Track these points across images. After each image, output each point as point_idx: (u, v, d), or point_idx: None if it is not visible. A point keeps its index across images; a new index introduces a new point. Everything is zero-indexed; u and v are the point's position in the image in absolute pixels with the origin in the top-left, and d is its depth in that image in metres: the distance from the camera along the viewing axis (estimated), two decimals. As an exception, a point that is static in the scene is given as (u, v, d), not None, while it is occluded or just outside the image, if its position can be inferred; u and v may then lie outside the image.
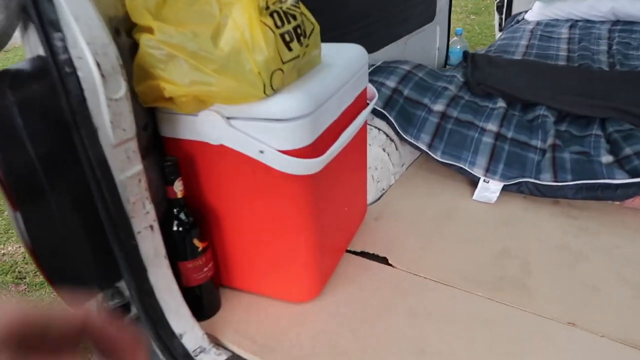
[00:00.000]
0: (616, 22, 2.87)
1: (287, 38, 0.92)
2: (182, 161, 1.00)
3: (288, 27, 0.93)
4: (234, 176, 1.02)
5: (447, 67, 2.82)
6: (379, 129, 1.57)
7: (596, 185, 1.35)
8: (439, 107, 1.67)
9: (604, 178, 1.35)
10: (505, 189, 1.48)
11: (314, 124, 0.96)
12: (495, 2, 3.84)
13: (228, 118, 0.94)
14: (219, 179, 1.03)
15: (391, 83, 1.68)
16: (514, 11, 3.64)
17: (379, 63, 1.87)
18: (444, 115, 1.65)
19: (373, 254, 1.30)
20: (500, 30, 3.80)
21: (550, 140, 1.53)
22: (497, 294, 1.15)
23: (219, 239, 1.11)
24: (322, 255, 1.13)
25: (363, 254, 1.30)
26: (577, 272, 1.21)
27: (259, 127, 0.93)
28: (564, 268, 1.22)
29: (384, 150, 1.57)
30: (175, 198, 0.99)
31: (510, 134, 1.59)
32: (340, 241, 1.28)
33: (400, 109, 1.62)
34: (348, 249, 1.32)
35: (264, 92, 0.90)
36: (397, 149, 1.62)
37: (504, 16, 3.74)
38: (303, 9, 1.00)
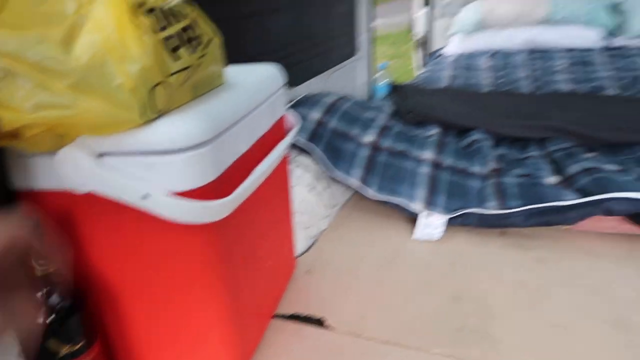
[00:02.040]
0: (532, 51, 2.94)
1: (173, 43, 0.71)
2: (44, 221, 0.74)
3: (174, 29, 0.72)
4: (112, 234, 0.77)
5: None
6: (304, 168, 1.37)
7: (547, 209, 1.22)
8: (369, 138, 1.51)
9: (553, 200, 1.22)
10: (448, 223, 1.32)
11: (215, 156, 0.74)
12: (416, 40, 3.89)
13: (100, 155, 0.70)
14: (92, 240, 0.78)
15: (315, 114, 1.51)
16: (434, 47, 3.70)
17: (300, 96, 1.71)
18: (375, 147, 1.49)
19: (306, 316, 1.07)
20: (424, 65, 3.85)
21: (490, 165, 1.41)
22: (458, 350, 0.95)
23: (104, 327, 0.83)
24: (241, 326, 0.88)
25: (295, 318, 1.07)
26: (543, 310, 1.04)
27: (141, 164, 0.70)
28: (528, 308, 1.05)
29: (312, 191, 1.37)
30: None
31: (448, 162, 1.45)
32: (265, 305, 1.05)
33: (328, 143, 1.45)
34: (276, 312, 1.09)
35: (143, 116, 0.67)
36: (326, 189, 1.43)
37: (424, 53, 3.80)
38: (198, 13, 0.80)
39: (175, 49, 0.71)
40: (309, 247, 1.32)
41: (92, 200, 0.73)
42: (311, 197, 1.35)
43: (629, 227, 1.23)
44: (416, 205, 1.35)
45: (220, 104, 0.79)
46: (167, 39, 0.70)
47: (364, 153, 1.47)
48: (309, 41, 2.00)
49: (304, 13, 1.95)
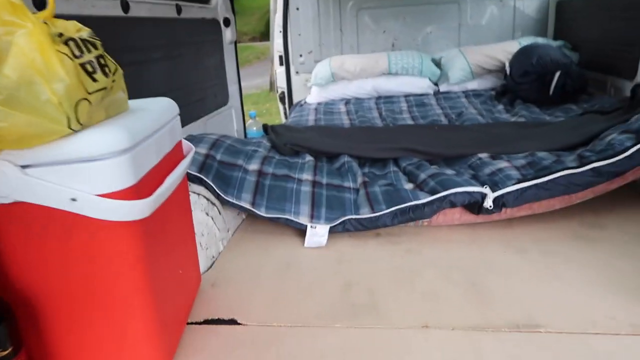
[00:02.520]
0: (379, 97, 3.41)
1: (90, 68, 0.82)
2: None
3: (89, 56, 0.83)
4: (36, 242, 0.82)
5: (248, 147, 2.92)
6: (199, 194, 1.48)
7: (407, 209, 1.49)
8: (254, 166, 1.68)
9: (411, 200, 1.50)
10: (331, 230, 1.52)
11: (134, 163, 0.84)
12: (278, 95, 4.22)
13: (25, 166, 0.77)
14: (16, 250, 0.82)
15: (202, 149, 1.64)
16: (296, 99, 4.05)
17: (184, 137, 1.82)
18: (260, 173, 1.66)
19: (218, 319, 1.17)
20: (286, 118, 4.17)
21: (360, 180, 1.66)
22: (355, 322, 1.12)
23: (31, 335, 0.85)
24: (164, 326, 0.96)
25: (208, 322, 1.16)
26: (415, 285, 1.27)
27: (67, 172, 0.78)
28: (403, 285, 1.27)
29: (208, 215, 1.48)
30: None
31: (325, 180, 1.68)
32: (180, 311, 1.12)
33: (217, 173, 1.58)
34: (189, 321, 1.16)
35: (69, 127, 0.77)
36: (220, 213, 1.55)
37: (287, 106, 4.13)
38: (100, 45, 0.91)
39: (92, 73, 0.83)
40: (211, 266, 1.41)
41: (17, 211, 0.79)
42: (208, 220, 1.46)
43: (469, 218, 1.55)
44: (302, 219, 1.53)
45: (134, 120, 0.91)
46: (84, 64, 0.82)
47: (251, 178, 1.63)
48: (186, 88, 2.14)
49: (180, 63, 2.10)
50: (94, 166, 0.79)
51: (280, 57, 4.06)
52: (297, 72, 4.03)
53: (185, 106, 2.16)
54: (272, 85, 10.68)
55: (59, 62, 0.77)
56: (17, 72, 0.73)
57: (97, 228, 0.81)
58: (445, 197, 1.47)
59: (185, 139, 1.76)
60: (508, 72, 3.03)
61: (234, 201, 1.54)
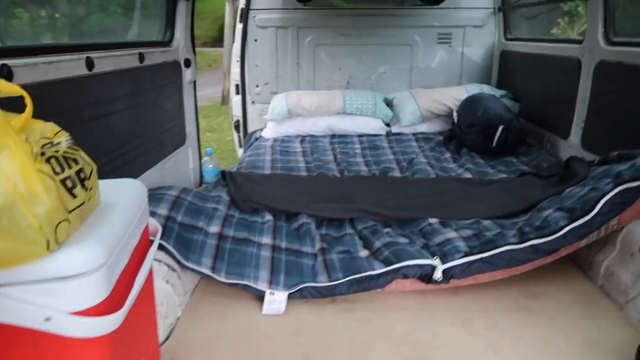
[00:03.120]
0: (333, 136, 3.51)
1: (70, 184, 0.84)
2: None
3: (69, 172, 0.85)
4: (4, 355, 0.82)
5: (204, 185, 2.92)
6: (159, 261, 1.49)
7: (363, 278, 1.56)
8: (214, 228, 1.71)
9: (366, 270, 1.58)
10: (289, 297, 1.57)
11: (109, 274, 0.86)
12: (232, 123, 4.22)
13: (-3, 287, 0.77)
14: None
15: (163, 211, 1.65)
16: (250, 129, 4.07)
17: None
18: (221, 236, 1.68)
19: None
20: (240, 146, 4.18)
21: (318, 245, 1.72)
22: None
23: None
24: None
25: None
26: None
27: (42, 290, 0.79)
28: (358, 360, 1.34)
29: (168, 282, 1.49)
30: None
31: (284, 244, 1.73)
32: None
33: (177, 236, 1.59)
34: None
35: (47, 248, 0.78)
36: (180, 278, 1.56)
37: (241, 134, 4.14)
38: (79, 151, 0.93)
39: (72, 188, 0.84)
40: (169, 335, 1.43)
41: (-12, 330, 0.78)
42: (167, 287, 1.47)
43: (419, 286, 1.64)
44: (261, 285, 1.57)
45: (106, 227, 0.92)
46: (64, 180, 0.83)
47: (212, 242, 1.65)
48: (146, 135, 2.13)
49: (141, 110, 2.09)
50: (70, 285, 0.80)
51: (237, 85, 4.08)
52: (252, 102, 4.06)
53: (143, 154, 2.17)
54: (225, 98, 10.62)
55: (40, 184, 0.78)
56: (0, 197, 0.74)
57: (67, 344, 0.82)
58: (398, 269, 1.56)
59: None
60: (456, 120, 3.21)
61: (195, 267, 1.56)
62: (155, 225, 1.23)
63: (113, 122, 1.83)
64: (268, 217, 1.89)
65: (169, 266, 1.52)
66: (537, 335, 1.46)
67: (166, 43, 2.39)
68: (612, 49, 2.36)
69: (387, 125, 3.59)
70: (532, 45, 3.34)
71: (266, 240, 1.73)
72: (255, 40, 3.93)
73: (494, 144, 2.94)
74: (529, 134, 3.07)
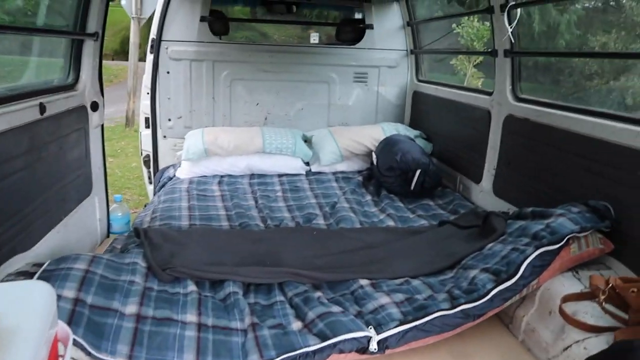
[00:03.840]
0: (252, 176, 3.40)
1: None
2: None
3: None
4: None
5: (112, 235, 2.68)
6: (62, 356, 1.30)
7: (297, 356, 1.48)
8: (131, 308, 1.53)
9: (301, 347, 1.49)
10: (219, 381, 1.44)
11: None
12: (142, 158, 3.96)
13: None
14: None
15: (70, 292, 1.45)
16: (161, 165, 3.84)
17: (45, 265, 1.60)
18: (139, 317, 1.52)
19: None
20: (151, 182, 3.93)
21: (247, 320, 1.61)
22: None
23: None
24: None
25: None
26: None
27: None
28: None
29: (77, 380, 1.30)
30: None
31: (210, 321, 1.59)
32: None
33: (88, 323, 1.41)
34: None
35: None
36: (91, 371, 1.37)
37: (152, 170, 3.89)
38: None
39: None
40: None
41: None
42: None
43: (353, 357, 1.59)
44: (186, 372, 1.43)
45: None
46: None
47: (129, 325, 1.48)
48: (47, 192, 1.89)
49: (41, 167, 1.85)
50: None
51: (147, 119, 3.84)
52: (164, 136, 3.84)
53: (43, 215, 1.92)
54: (129, 120, 10.04)
55: None
56: None
57: None
58: (335, 344, 1.50)
59: (47, 270, 1.55)
60: (375, 162, 3.26)
61: (108, 358, 1.37)
62: (65, 332, 1.06)
63: (3, 188, 1.59)
64: (191, 287, 1.75)
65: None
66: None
67: (70, 87, 2.16)
68: (519, 105, 2.53)
69: (307, 164, 3.57)
70: (444, 90, 3.51)
71: (190, 317, 1.58)
72: (168, 72, 3.74)
73: (412, 187, 3.01)
74: (443, 176, 3.20)
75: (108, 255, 1.82)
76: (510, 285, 1.65)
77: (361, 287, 1.84)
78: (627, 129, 1.80)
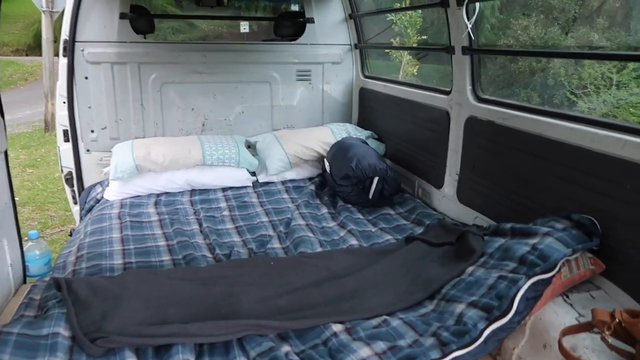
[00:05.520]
0: (193, 192, 3.06)
1: None
2: None
3: None
4: None
5: (29, 280, 2.25)
6: None
7: None
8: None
9: None
10: None
11: None
12: (63, 176, 3.49)
13: None
14: None
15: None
16: (86, 182, 3.40)
17: None
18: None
19: None
20: (75, 202, 3.47)
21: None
22: None
23: None
24: None
25: None
26: None
27: None
28: None
29: None
30: None
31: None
32: None
33: None
34: None
35: None
36: None
37: (76, 189, 3.44)
38: None
39: None
40: None
41: None
42: None
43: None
44: None
45: None
46: None
47: None
48: None
49: None
50: None
51: (65, 131, 3.37)
52: (87, 150, 3.39)
53: None
54: (48, 124, 9.14)
55: None
56: None
57: None
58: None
59: None
60: (328, 169, 3.02)
61: None
62: None
63: None
64: (131, 358, 1.42)
65: None
66: None
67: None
68: (481, 106, 2.36)
69: (253, 174, 3.26)
70: (394, 87, 3.30)
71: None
72: (86, 77, 3.28)
73: (370, 196, 2.80)
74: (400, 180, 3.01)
75: (18, 328, 1.45)
76: (504, 324, 1.47)
77: (334, 334, 1.58)
78: (611, 136, 1.66)
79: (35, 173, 7.04)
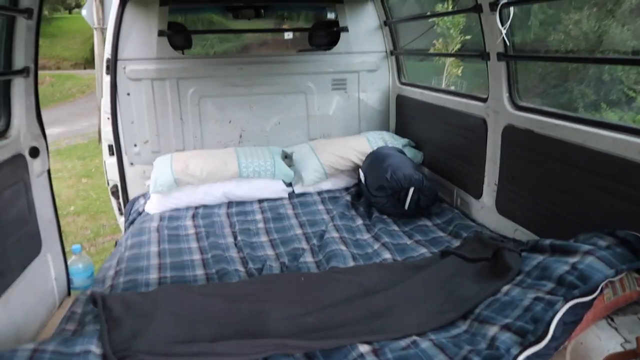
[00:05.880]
0: (230, 204, 3.10)
1: None
2: None
3: None
4: None
5: (73, 292, 2.35)
6: None
7: None
8: None
9: None
10: None
11: None
12: (109, 189, 3.63)
13: None
14: None
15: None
16: (131, 194, 3.52)
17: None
18: None
19: None
20: (121, 214, 3.60)
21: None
22: None
23: None
24: None
25: None
26: None
27: None
28: None
29: None
30: None
31: None
32: None
33: None
34: None
35: None
36: None
37: (121, 201, 3.57)
38: None
39: None
40: None
41: None
42: None
43: None
44: None
45: None
46: None
47: None
48: None
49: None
50: None
51: (110, 146, 3.51)
52: (131, 164, 3.51)
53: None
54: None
55: None
56: None
57: None
58: None
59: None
60: (363, 180, 2.98)
61: None
62: None
63: None
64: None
65: None
66: None
67: (1, 134, 1.83)
68: (519, 114, 2.26)
69: (289, 184, 3.27)
70: (430, 95, 3.22)
71: None
72: (128, 94, 3.40)
73: (406, 207, 2.74)
74: (438, 190, 2.93)
75: (54, 345, 1.50)
76: (539, 350, 1.38)
77: (361, 355, 1.55)
78: (658, 148, 1.54)
79: (89, 183, 7.38)
